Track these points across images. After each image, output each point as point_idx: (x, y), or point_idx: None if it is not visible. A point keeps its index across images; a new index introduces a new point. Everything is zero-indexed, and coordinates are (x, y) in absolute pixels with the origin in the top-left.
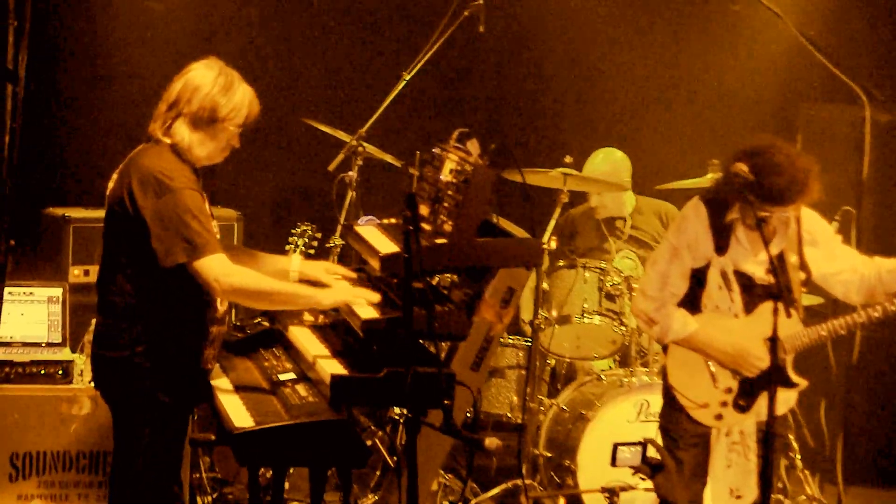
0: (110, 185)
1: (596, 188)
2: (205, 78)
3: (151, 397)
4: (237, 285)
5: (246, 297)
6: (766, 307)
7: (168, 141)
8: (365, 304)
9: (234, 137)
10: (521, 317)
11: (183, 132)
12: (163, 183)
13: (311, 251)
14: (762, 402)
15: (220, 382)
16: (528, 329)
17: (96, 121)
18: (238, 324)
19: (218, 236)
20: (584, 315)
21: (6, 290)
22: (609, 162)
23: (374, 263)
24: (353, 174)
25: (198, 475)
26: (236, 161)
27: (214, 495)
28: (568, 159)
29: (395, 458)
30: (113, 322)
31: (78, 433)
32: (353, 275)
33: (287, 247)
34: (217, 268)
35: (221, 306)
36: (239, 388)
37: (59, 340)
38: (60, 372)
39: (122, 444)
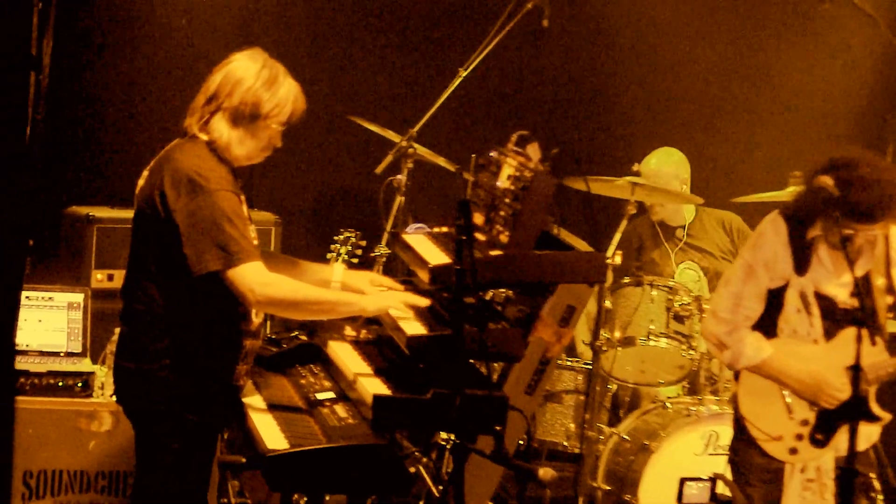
0: (140, 183)
1: (667, 200)
2: (247, 70)
3: (178, 415)
4: (274, 296)
5: (284, 309)
6: (849, 333)
7: (205, 137)
8: (411, 319)
9: (277, 136)
10: (580, 338)
11: (221, 128)
12: (197, 183)
13: (355, 260)
14: (842, 436)
15: (253, 400)
16: (587, 351)
17: (127, 113)
18: (273, 337)
19: (255, 242)
20: (650, 337)
21: (23, 294)
22: (670, 163)
23: (423, 275)
24: (402, 177)
25: (226, 500)
26: (276, 161)
27: None
28: (636, 167)
29: (440, 488)
30: (138, 332)
31: (97, 451)
32: (400, 287)
33: (328, 255)
34: (253, 277)
35: (256, 318)
36: (273, 407)
37: (79, 350)
38: (80, 384)
39: (144, 465)
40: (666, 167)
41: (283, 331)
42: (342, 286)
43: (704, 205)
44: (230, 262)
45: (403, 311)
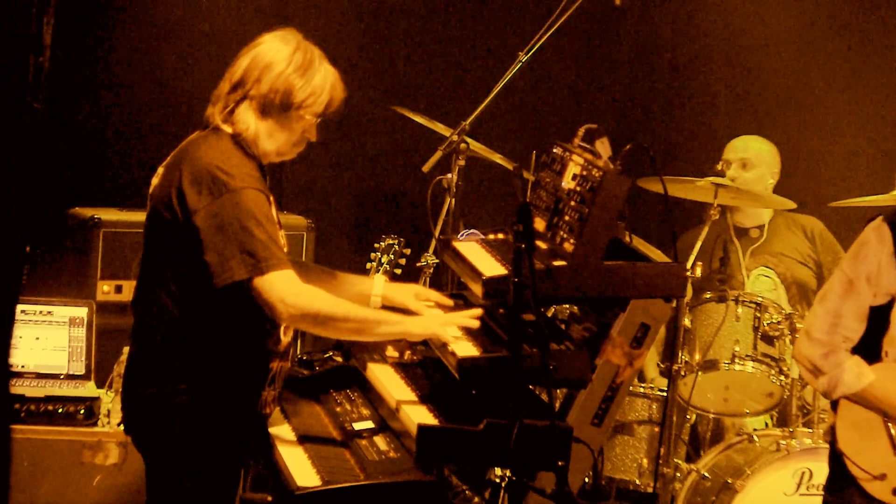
0: (154, 181)
1: (755, 204)
2: (279, 54)
3: (195, 446)
4: (307, 309)
5: (318, 325)
6: None
7: (229, 129)
8: (462, 338)
9: (311, 129)
10: (653, 361)
11: (248, 119)
12: (221, 181)
13: (398, 271)
14: None
15: (281, 430)
16: (655, 378)
17: (139, 102)
18: (304, 358)
19: (285, 249)
20: (735, 360)
21: (19, 307)
22: (764, 150)
23: (476, 288)
24: (452, 177)
25: None
26: (310, 158)
27: None
28: (720, 166)
29: None
30: (151, 351)
31: (103, 488)
32: (450, 302)
33: (368, 265)
34: (284, 287)
35: (285, 336)
36: (303, 439)
37: (83, 372)
38: (83, 411)
39: (161, 500)
40: (759, 151)
41: (316, 351)
42: (383, 301)
43: (799, 211)
44: (258, 270)
45: (455, 334)
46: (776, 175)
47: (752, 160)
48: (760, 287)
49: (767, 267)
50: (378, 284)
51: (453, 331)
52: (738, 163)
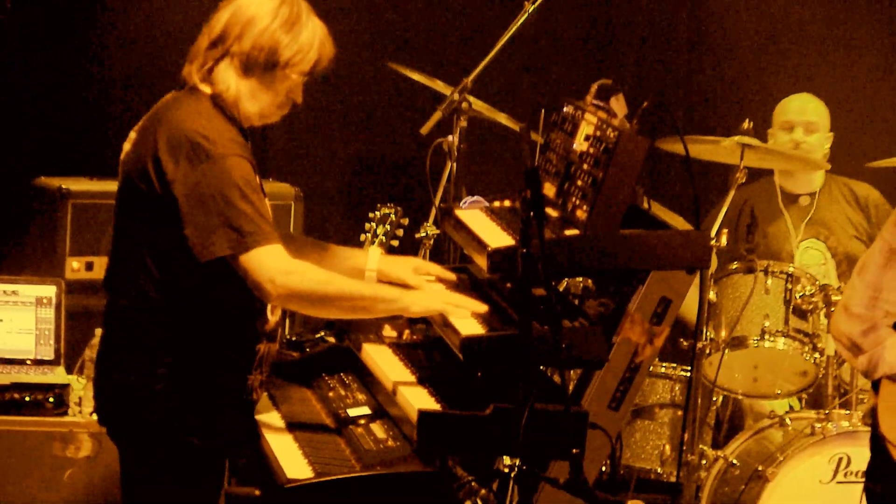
0: (126, 147)
1: (786, 165)
2: (263, 7)
3: (175, 437)
4: (298, 288)
5: (310, 304)
6: None
7: (208, 90)
8: (467, 315)
9: (297, 89)
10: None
11: (229, 79)
12: (201, 147)
13: (395, 243)
14: None
15: (269, 418)
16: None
17: (110, 62)
18: (294, 339)
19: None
20: (765, 337)
21: None
22: (819, 111)
23: (481, 261)
24: (453, 139)
25: None
26: (296, 120)
27: None
28: (746, 125)
29: None
30: (126, 334)
31: (75, 482)
32: (452, 276)
33: (362, 237)
34: (272, 264)
35: (273, 316)
36: (293, 427)
37: (52, 357)
38: (52, 400)
39: (133, 500)
40: (819, 113)
41: (306, 332)
42: (379, 276)
43: (833, 171)
44: (243, 246)
45: (458, 312)
46: (830, 138)
47: (817, 123)
48: (808, 260)
49: (817, 239)
50: (373, 258)
51: (457, 310)
52: (804, 126)
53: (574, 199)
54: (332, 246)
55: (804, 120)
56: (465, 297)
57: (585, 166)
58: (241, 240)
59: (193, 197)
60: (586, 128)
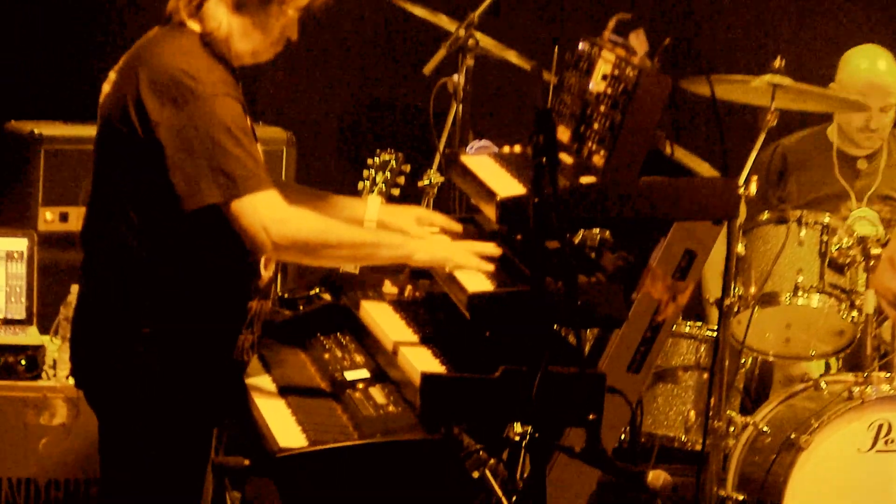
0: (106, 88)
1: (824, 106)
2: None
3: (158, 403)
4: (295, 237)
5: (307, 254)
6: None
7: (197, 28)
8: (475, 270)
9: (292, 25)
10: (703, 295)
11: (220, 15)
12: (187, 87)
13: (396, 192)
14: None
15: (260, 382)
16: (713, 313)
17: None
18: (286, 296)
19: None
20: (798, 293)
21: None
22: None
23: (489, 211)
24: (459, 79)
25: None
26: (289, 59)
27: None
28: (778, 62)
29: (514, 499)
30: (105, 291)
31: (49, 453)
32: (458, 227)
33: (360, 185)
34: (267, 212)
35: (266, 270)
36: (286, 391)
37: (23, 317)
38: (24, 363)
39: (112, 471)
40: (889, 77)
41: (300, 288)
42: (378, 227)
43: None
44: (234, 192)
45: (469, 258)
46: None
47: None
48: (861, 230)
49: (871, 209)
50: (373, 207)
51: (467, 260)
52: (882, 107)
53: (590, 143)
54: (328, 195)
55: (888, 103)
56: (473, 242)
57: (602, 108)
58: (232, 185)
59: (179, 141)
60: (603, 66)
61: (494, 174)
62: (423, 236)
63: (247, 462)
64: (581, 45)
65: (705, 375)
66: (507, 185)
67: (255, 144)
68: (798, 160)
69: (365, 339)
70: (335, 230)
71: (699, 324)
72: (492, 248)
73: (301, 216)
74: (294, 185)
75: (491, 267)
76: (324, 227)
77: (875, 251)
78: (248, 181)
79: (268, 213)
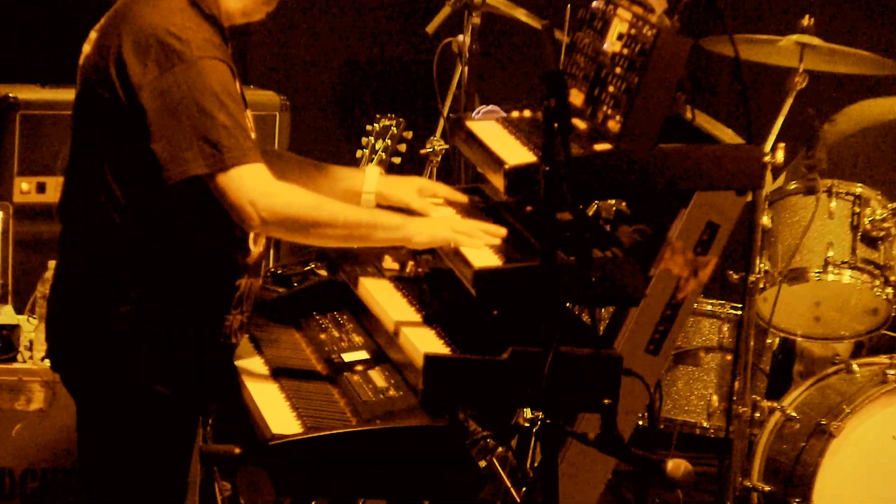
0: (86, 49)
1: (855, 67)
2: None
3: (141, 386)
4: (284, 213)
5: (297, 231)
6: None
7: None
8: (482, 245)
9: None
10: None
11: None
12: (172, 49)
13: (397, 160)
14: None
15: (251, 364)
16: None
17: None
18: (279, 272)
19: (253, 135)
20: (829, 269)
21: None
22: None
23: (497, 181)
24: (464, 39)
25: None
26: (282, 18)
27: None
28: (807, 21)
29: (524, 490)
30: (84, 266)
31: (25, 440)
32: (463, 198)
33: (359, 153)
34: (254, 185)
35: (256, 246)
36: (279, 374)
37: None
38: None
39: (92, 461)
40: None
41: (294, 263)
42: (378, 199)
43: None
44: (221, 164)
45: (473, 240)
46: None
47: None
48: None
49: None
50: (371, 178)
51: (474, 238)
52: None
53: (605, 107)
54: (324, 165)
55: None
56: (478, 222)
57: (618, 70)
58: (219, 156)
59: (163, 106)
60: (619, 25)
61: (502, 141)
62: (425, 210)
63: (237, 450)
64: (595, 3)
65: (728, 357)
66: (515, 153)
67: (244, 112)
68: (836, 127)
69: (364, 318)
70: (328, 207)
71: (722, 301)
72: (499, 230)
73: (290, 191)
74: (287, 155)
75: (498, 240)
76: (315, 203)
77: None
78: (234, 152)
79: (255, 186)
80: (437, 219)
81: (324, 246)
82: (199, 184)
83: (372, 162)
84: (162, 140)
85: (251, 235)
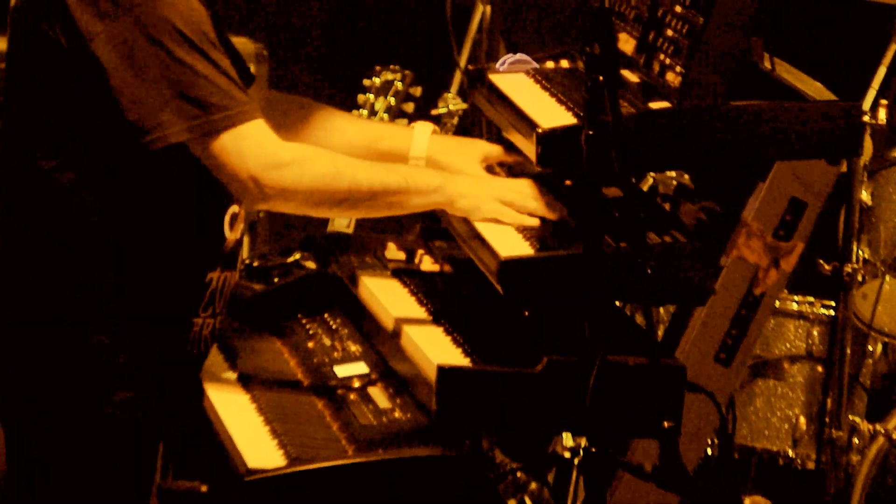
0: None
1: None
2: None
3: (87, 408)
4: (296, 185)
5: (313, 205)
6: None
7: None
8: (536, 221)
9: None
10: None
11: None
12: None
13: (402, 122)
14: None
15: (222, 380)
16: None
17: None
18: (256, 264)
19: None
20: None
21: None
22: None
23: (527, 148)
24: None
25: None
26: None
27: None
28: None
29: None
30: (17, 263)
31: None
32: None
33: (356, 113)
34: (254, 151)
35: (232, 232)
36: (256, 393)
37: None
38: None
39: (24, 495)
40: None
41: (274, 253)
42: (428, 165)
43: None
44: (208, 126)
45: (521, 219)
46: None
47: None
48: None
49: None
50: (421, 138)
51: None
52: None
53: (662, 56)
54: (348, 116)
55: None
56: (530, 188)
57: (678, 8)
58: (204, 117)
59: (124, 56)
60: None
61: (534, 98)
62: (474, 176)
63: (204, 487)
64: None
65: (820, 368)
66: (550, 113)
67: (226, 59)
68: None
69: (362, 321)
70: (349, 174)
71: (811, 298)
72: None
73: (303, 157)
74: (286, 97)
75: (536, 222)
76: (333, 170)
77: None
78: (227, 110)
79: (256, 156)
80: (486, 181)
81: (346, 217)
82: (180, 154)
83: (420, 120)
84: (129, 101)
85: (227, 216)
